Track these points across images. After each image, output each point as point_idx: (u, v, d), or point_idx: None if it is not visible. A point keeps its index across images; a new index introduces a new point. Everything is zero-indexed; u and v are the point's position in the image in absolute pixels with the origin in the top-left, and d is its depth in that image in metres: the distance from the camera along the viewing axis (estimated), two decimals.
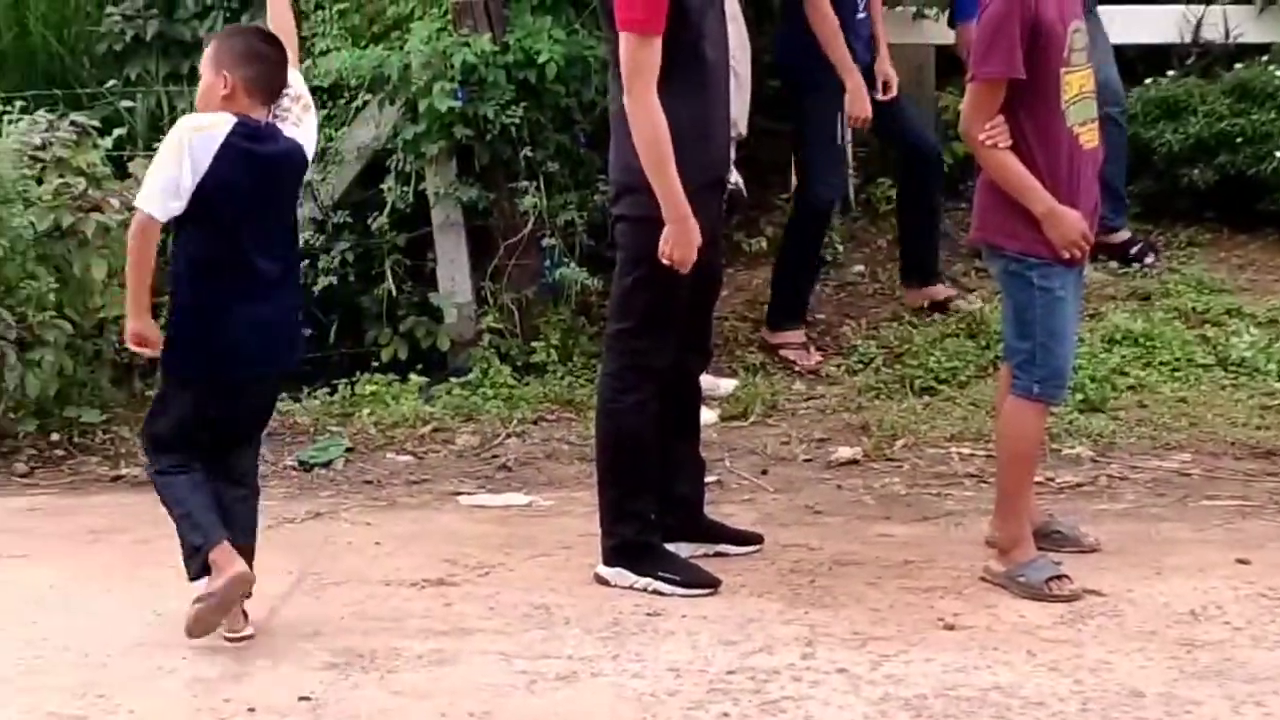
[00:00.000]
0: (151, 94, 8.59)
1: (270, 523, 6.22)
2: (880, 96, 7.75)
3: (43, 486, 6.92)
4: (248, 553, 5.12)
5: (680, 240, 5.17)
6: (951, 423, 6.99)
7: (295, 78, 5.28)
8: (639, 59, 5.15)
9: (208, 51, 5.15)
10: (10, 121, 7.35)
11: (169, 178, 4.95)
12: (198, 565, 5.05)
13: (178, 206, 4.97)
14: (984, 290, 8.01)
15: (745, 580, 5.51)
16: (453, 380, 7.77)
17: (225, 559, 5.01)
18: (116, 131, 7.82)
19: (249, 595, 5.12)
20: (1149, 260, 8.26)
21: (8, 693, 4.82)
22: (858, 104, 7.60)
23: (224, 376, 5.15)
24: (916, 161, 8.08)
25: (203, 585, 5.01)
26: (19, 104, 7.64)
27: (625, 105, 5.20)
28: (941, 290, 8.19)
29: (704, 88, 5.33)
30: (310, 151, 5.26)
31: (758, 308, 8.10)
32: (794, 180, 8.03)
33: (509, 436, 7.23)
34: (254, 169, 5.03)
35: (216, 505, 5.12)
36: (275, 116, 5.19)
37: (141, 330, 5.12)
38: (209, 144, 4.94)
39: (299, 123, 5.21)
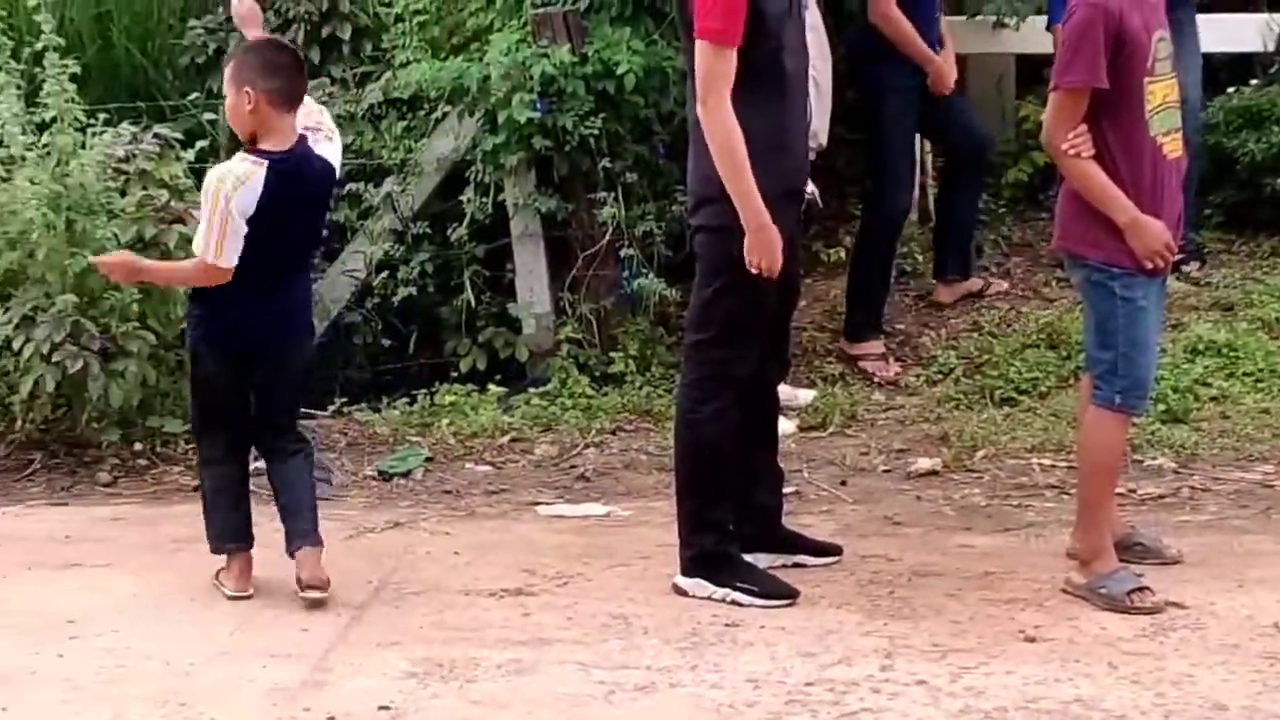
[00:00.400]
0: None
1: (350, 532, 6.29)
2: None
3: (126, 496, 6.97)
4: (305, 516, 5.60)
5: (762, 247, 5.16)
6: (1032, 434, 6.95)
7: (315, 108, 5.61)
8: (714, 68, 5.16)
9: (228, 70, 5.49)
10: (95, 134, 7.41)
11: (232, 231, 5.32)
12: (212, 547, 5.69)
13: (237, 253, 5.36)
14: (1065, 300, 7.95)
15: (824, 591, 5.49)
16: (531, 390, 7.79)
17: (237, 571, 5.63)
18: (199, 144, 7.87)
19: None
20: (1189, 267, 8.16)
21: (90, 701, 4.86)
22: (941, 80, 7.66)
23: (236, 350, 5.58)
24: (965, 150, 8.06)
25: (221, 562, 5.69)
26: (103, 116, 7.69)
27: (699, 114, 5.20)
28: (976, 282, 8.23)
29: (783, 97, 5.32)
30: (337, 166, 5.61)
31: (836, 318, 8.07)
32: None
33: (587, 446, 7.24)
34: (292, 203, 5.39)
35: (241, 509, 5.66)
36: (307, 130, 5.43)
37: (127, 270, 5.90)
38: (250, 196, 5.30)
39: (331, 136, 5.57)
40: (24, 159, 7.22)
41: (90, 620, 5.46)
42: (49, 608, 5.59)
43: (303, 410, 6.16)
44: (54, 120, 7.27)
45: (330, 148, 5.54)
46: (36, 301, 7.03)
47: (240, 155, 5.41)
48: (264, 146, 5.36)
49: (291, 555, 5.57)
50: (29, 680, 5.04)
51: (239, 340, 5.57)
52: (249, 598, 5.57)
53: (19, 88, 7.54)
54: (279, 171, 5.31)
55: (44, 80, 7.37)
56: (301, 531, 5.56)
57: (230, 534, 5.65)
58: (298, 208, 5.45)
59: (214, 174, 5.40)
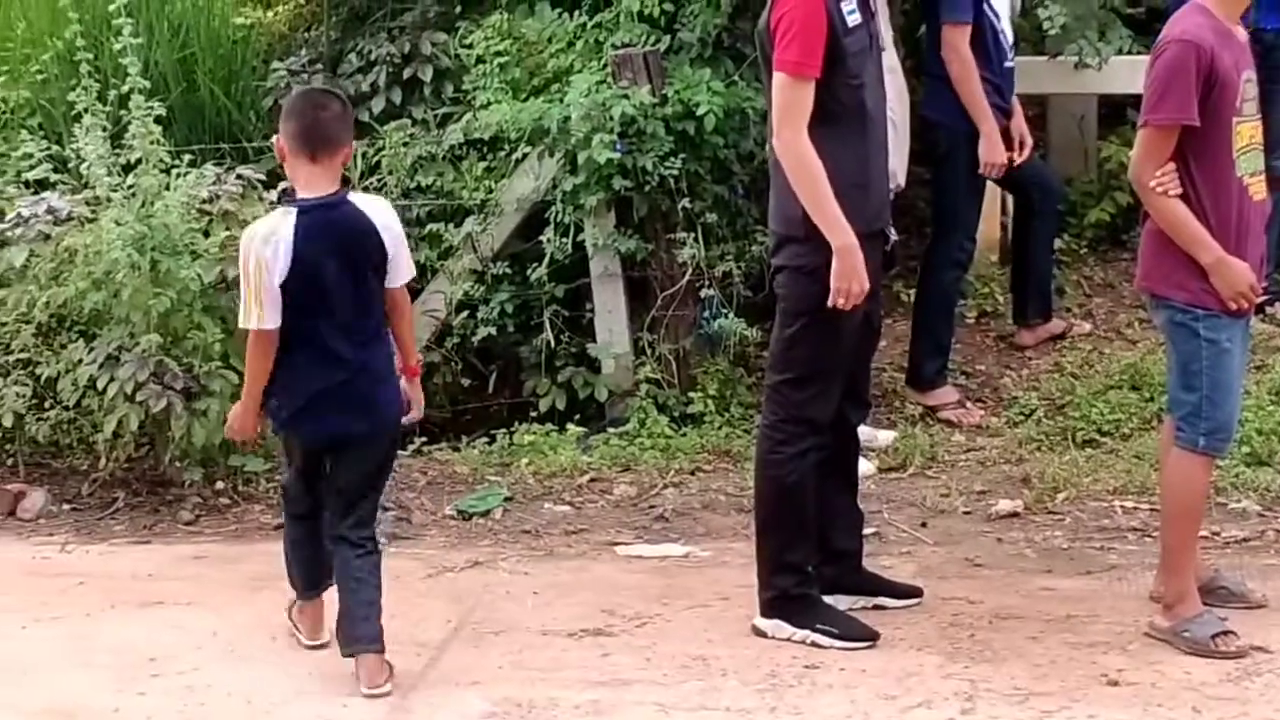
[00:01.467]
0: None
1: (430, 571, 6.31)
2: (1016, 158, 7.64)
3: (207, 535, 7.01)
4: (373, 622, 5.25)
5: (851, 270, 5.14)
6: (1114, 475, 6.89)
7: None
8: (791, 100, 5.18)
9: None
10: (179, 175, 7.48)
11: (267, 292, 5.12)
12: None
13: (278, 310, 5.16)
14: (1148, 341, 7.89)
15: (904, 633, 5.47)
16: (610, 430, 7.79)
17: (309, 619, 5.59)
18: (282, 185, 7.92)
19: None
20: (1274, 309, 8.06)
21: None
22: (992, 150, 7.48)
23: (307, 436, 5.37)
24: (1036, 195, 7.97)
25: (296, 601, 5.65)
26: (187, 158, 7.77)
27: (774, 146, 5.21)
28: (1059, 325, 8.16)
29: (863, 136, 5.33)
30: (382, 225, 5.25)
31: None
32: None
33: (666, 487, 7.23)
34: (326, 256, 5.14)
35: (317, 560, 5.48)
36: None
37: (243, 423, 5.42)
38: (277, 249, 5.11)
39: None
40: (110, 200, 7.30)
41: (172, 658, 5.50)
42: (132, 645, 5.64)
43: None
44: (139, 161, 7.35)
45: (377, 204, 5.36)
46: (121, 341, 7.09)
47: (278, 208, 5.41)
48: (299, 195, 5.22)
49: (349, 656, 5.27)
50: (112, 718, 5.08)
51: (309, 428, 5.32)
52: (325, 646, 5.50)
53: (105, 129, 7.63)
54: (307, 221, 5.12)
55: (130, 122, 7.46)
56: (368, 637, 5.21)
57: (305, 585, 5.56)
58: (332, 261, 5.15)
59: (245, 232, 5.31)
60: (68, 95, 8.25)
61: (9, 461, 7.79)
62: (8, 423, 7.44)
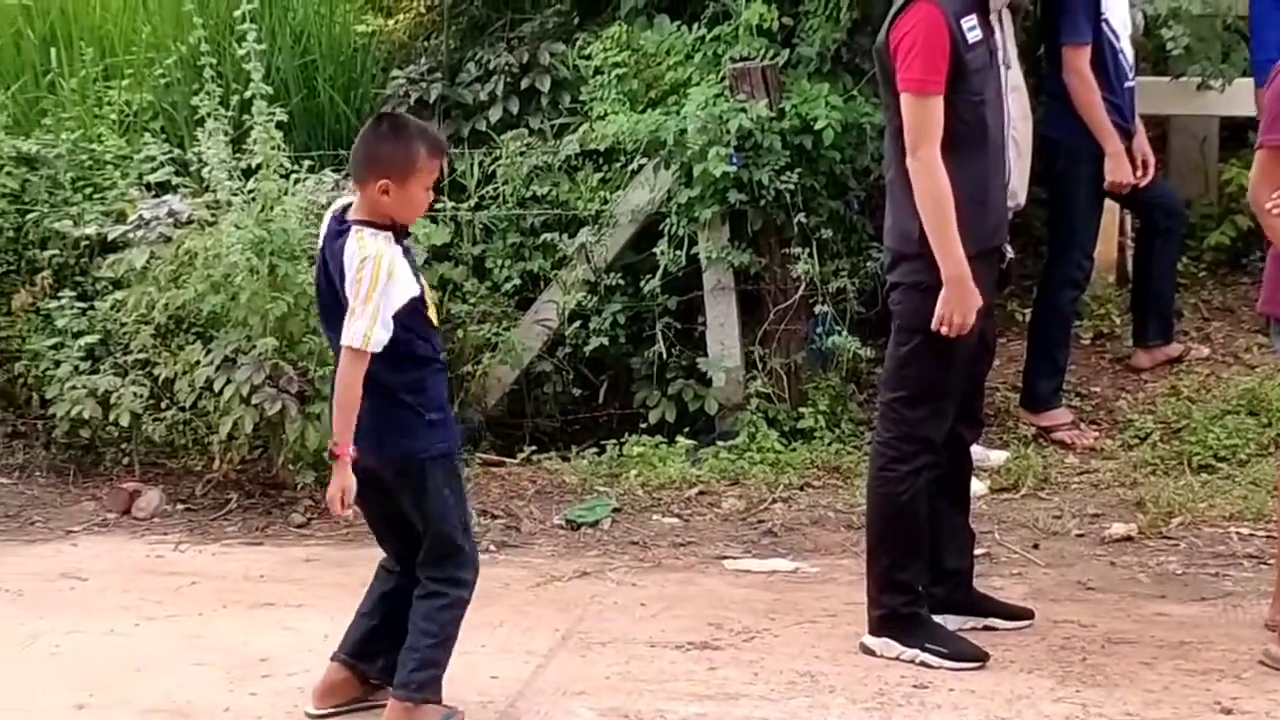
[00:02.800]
0: None
1: (538, 580, 6.33)
2: (1140, 180, 7.56)
3: (319, 538, 7.07)
4: (406, 666, 4.94)
5: (958, 301, 5.12)
6: (1230, 501, 6.80)
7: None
8: (921, 119, 5.15)
9: None
10: (298, 180, 7.55)
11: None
12: None
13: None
14: (1266, 366, 7.79)
15: (1014, 655, 5.43)
16: (720, 444, 7.78)
17: (321, 679, 5.16)
18: None
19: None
20: None
21: None
22: (1119, 169, 7.42)
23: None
24: (1159, 213, 7.89)
25: None
26: (307, 163, 7.86)
27: (909, 165, 5.19)
28: (1177, 348, 8.06)
29: (984, 154, 5.30)
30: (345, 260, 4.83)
31: None
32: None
33: (775, 501, 7.21)
34: (324, 263, 4.94)
35: (367, 617, 5.16)
36: None
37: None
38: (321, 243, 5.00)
39: None
40: (230, 204, 7.39)
41: (283, 660, 5.54)
42: (243, 646, 5.69)
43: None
44: (260, 166, 7.44)
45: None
46: (238, 344, 7.17)
47: None
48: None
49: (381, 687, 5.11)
50: (222, 718, 5.13)
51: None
52: (320, 715, 5.13)
53: (227, 134, 7.72)
54: (329, 233, 4.95)
55: (251, 127, 7.53)
56: (396, 681, 4.95)
57: (342, 640, 5.21)
58: (326, 275, 4.93)
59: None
60: (190, 99, 8.36)
61: (125, 460, 7.90)
62: (125, 422, 7.55)
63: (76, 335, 7.85)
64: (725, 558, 6.64)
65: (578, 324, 8.19)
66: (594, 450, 7.92)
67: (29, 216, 8.52)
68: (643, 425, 8.09)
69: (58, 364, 7.82)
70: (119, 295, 7.66)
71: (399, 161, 4.85)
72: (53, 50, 9.42)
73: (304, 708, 5.16)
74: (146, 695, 5.35)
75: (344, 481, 4.78)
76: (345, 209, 4.95)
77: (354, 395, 4.78)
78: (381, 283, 4.76)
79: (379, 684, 5.09)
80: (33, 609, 6.27)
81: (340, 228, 4.89)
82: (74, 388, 7.66)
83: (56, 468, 8.04)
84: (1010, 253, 5.55)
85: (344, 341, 4.77)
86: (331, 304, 4.92)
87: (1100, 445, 7.53)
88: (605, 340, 8.13)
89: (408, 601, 5.00)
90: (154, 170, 8.14)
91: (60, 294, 8.08)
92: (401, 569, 5.10)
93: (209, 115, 7.71)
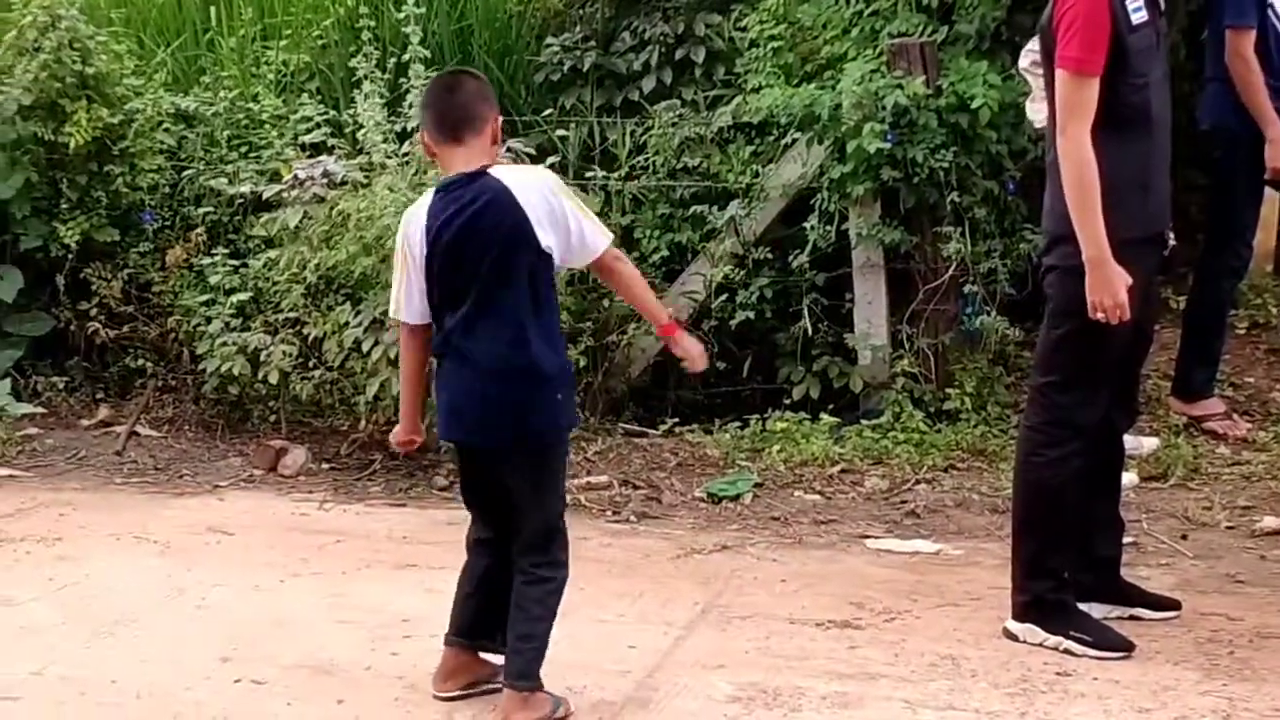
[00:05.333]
0: (585, 124, 8.76)
1: (678, 552, 6.33)
2: None
3: (460, 501, 7.07)
4: (519, 657, 4.80)
5: (1103, 284, 5.03)
6: None
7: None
8: (1073, 98, 5.07)
9: None
10: None
11: (407, 275, 4.82)
12: None
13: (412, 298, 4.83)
14: None
15: (1160, 646, 5.34)
16: (864, 422, 7.73)
17: (440, 663, 5.06)
18: (550, 159, 8.01)
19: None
20: None
21: (422, 700, 4.98)
22: (1279, 156, 7.30)
23: (450, 439, 5.04)
24: None
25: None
26: None
27: (1058, 144, 5.11)
28: None
29: (1148, 137, 5.19)
30: (526, 195, 4.71)
31: None
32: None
33: (919, 482, 7.16)
34: (449, 236, 4.72)
35: (472, 598, 5.02)
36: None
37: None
38: (414, 226, 4.79)
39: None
40: (384, 166, 7.43)
41: (425, 620, 5.56)
42: (386, 606, 5.73)
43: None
44: (414, 130, 7.45)
45: (516, 174, 4.82)
46: (387, 306, 7.18)
47: None
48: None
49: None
50: (364, 676, 5.18)
51: (447, 422, 4.92)
52: (448, 698, 5.05)
53: (382, 96, 7.76)
54: (441, 201, 4.73)
55: (408, 90, 7.57)
56: (512, 671, 4.81)
57: (450, 622, 5.09)
58: (456, 246, 4.70)
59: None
60: (347, 61, 8.43)
61: (271, 418, 8.00)
62: (273, 380, 7.64)
63: (228, 292, 7.96)
64: (867, 537, 6.60)
65: (724, 297, 8.16)
66: (736, 424, 7.90)
67: (185, 173, 8.66)
68: (786, 401, 8.06)
69: (209, 320, 7.94)
70: (271, 254, 7.75)
71: (493, 109, 4.86)
72: (212, 9, 9.54)
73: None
74: (289, 651, 5.41)
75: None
76: (449, 183, 4.77)
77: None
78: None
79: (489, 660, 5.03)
80: (179, 562, 6.37)
81: (470, 186, 4.71)
82: (224, 344, 7.76)
83: (205, 422, 8.16)
84: (1173, 239, 5.44)
85: (603, 247, 4.83)
86: (463, 280, 4.73)
87: (1253, 437, 7.40)
88: (751, 314, 8.10)
89: (506, 577, 4.89)
90: (309, 131, 8.22)
91: (213, 251, 8.20)
92: (498, 543, 4.97)
93: (366, 77, 7.77)
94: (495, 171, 4.75)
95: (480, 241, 4.70)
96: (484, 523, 5.02)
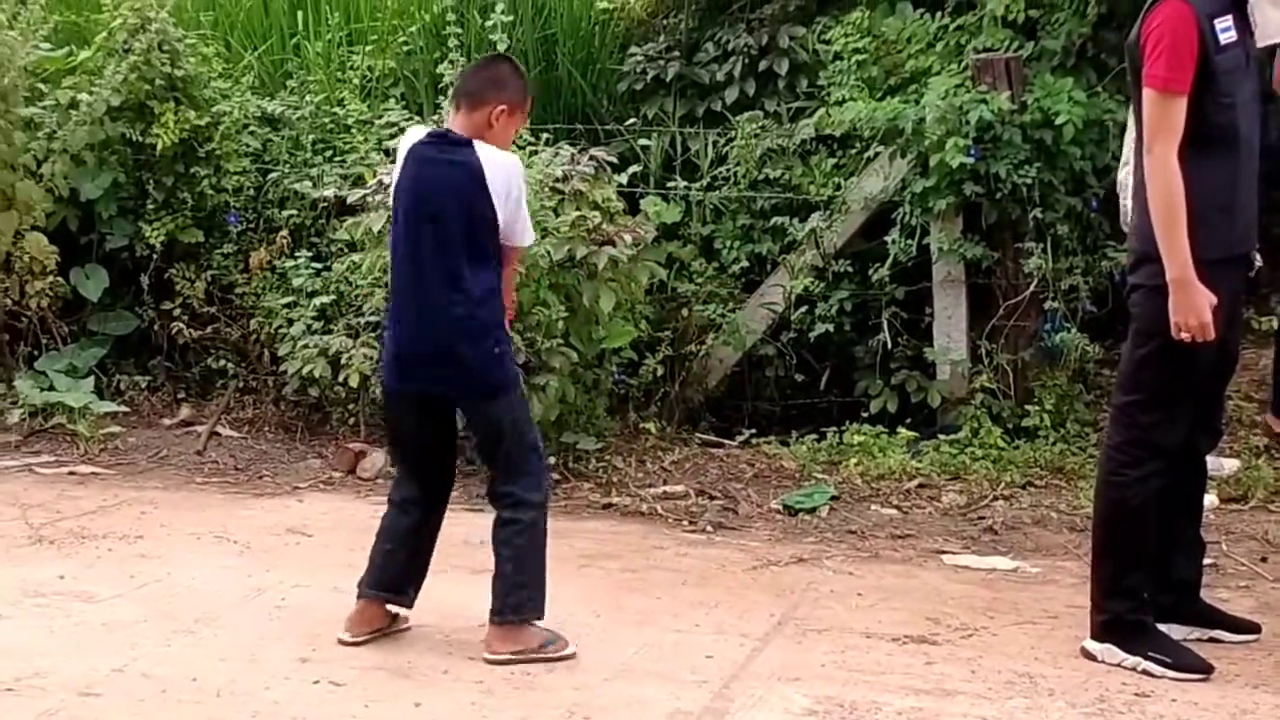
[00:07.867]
0: (667, 133, 8.78)
1: (754, 563, 6.33)
2: None
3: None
4: (496, 593, 5.42)
5: (1187, 304, 5.01)
6: None
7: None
8: (1159, 116, 5.05)
9: None
10: (534, 152, 7.61)
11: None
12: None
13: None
14: None
15: (1240, 669, 5.30)
16: (941, 437, 7.72)
17: (352, 615, 5.54)
18: (631, 168, 8.04)
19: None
20: None
21: (497, 706, 4.99)
22: None
23: (390, 387, 5.52)
24: None
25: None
26: (544, 136, 7.92)
27: (1144, 162, 5.09)
28: None
29: (1235, 157, 5.16)
30: (494, 177, 5.21)
31: (1264, 388, 7.81)
32: None
33: (996, 499, 7.14)
34: (417, 171, 5.29)
35: (397, 553, 5.56)
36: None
37: None
38: (402, 151, 5.40)
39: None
40: None
41: None
42: (464, 610, 5.74)
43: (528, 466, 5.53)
44: None
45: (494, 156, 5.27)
46: None
47: None
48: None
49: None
50: (442, 679, 5.20)
51: (390, 369, 5.49)
52: (356, 643, 5.47)
53: None
54: (425, 142, 5.34)
55: None
56: (493, 607, 5.40)
57: (364, 575, 5.59)
58: (421, 185, 5.28)
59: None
60: (432, 67, 8.48)
61: (351, 421, 8.04)
62: (354, 383, 7.68)
63: (310, 295, 8.02)
64: (944, 552, 6.59)
65: (803, 309, 8.17)
66: (813, 436, 7.91)
67: (270, 176, 8.73)
68: (863, 414, 8.06)
69: (290, 322, 8.01)
70: (354, 257, 7.79)
71: (519, 92, 5.38)
72: (299, 14, 9.61)
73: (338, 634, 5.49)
74: (367, 653, 5.43)
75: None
76: (433, 134, 5.38)
77: None
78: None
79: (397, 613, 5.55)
80: (259, 562, 6.41)
81: (445, 144, 5.27)
82: (305, 346, 7.82)
83: (284, 424, 8.22)
84: (1259, 260, 5.41)
85: (525, 243, 5.53)
86: (425, 214, 5.24)
87: None
88: (830, 327, 8.11)
89: (430, 535, 5.57)
90: (394, 136, 8.25)
91: (296, 254, 8.26)
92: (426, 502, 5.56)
93: (451, 84, 7.79)
94: (478, 145, 5.25)
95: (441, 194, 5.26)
96: (416, 480, 5.55)
